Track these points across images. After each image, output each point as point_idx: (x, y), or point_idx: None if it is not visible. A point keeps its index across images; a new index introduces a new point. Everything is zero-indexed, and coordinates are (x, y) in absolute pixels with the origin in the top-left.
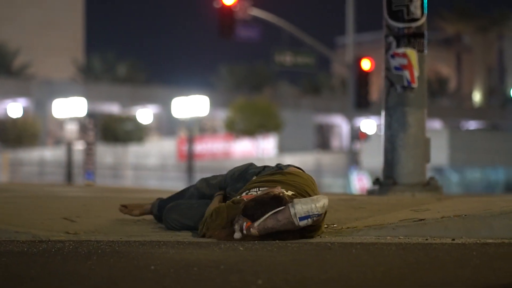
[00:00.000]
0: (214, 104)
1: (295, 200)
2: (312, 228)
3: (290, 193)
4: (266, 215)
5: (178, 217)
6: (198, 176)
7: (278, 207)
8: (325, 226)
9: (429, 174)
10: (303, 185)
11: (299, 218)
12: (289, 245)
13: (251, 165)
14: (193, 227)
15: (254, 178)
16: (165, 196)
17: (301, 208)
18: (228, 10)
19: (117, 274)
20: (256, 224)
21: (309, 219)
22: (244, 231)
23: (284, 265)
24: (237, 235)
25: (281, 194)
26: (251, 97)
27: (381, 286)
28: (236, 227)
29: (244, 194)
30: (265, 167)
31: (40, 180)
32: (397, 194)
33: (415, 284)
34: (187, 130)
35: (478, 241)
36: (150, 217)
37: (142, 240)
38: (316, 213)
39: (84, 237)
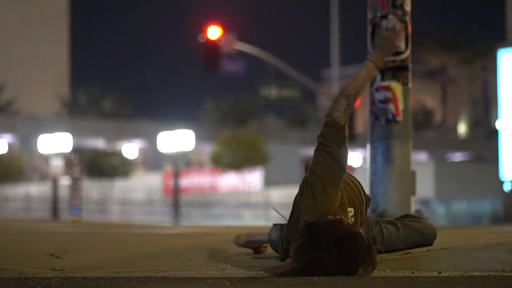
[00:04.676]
0: (200, 138)
1: None
2: None
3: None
4: None
5: None
6: (184, 211)
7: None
8: None
9: (415, 206)
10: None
11: None
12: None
13: None
14: None
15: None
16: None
17: None
18: (213, 44)
19: None
20: None
21: None
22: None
23: None
24: None
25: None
26: (237, 130)
27: None
28: None
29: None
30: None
31: (26, 215)
32: None
33: None
34: (173, 165)
35: (464, 274)
36: (144, 252)
37: (129, 276)
38: None
39: (70, 273)
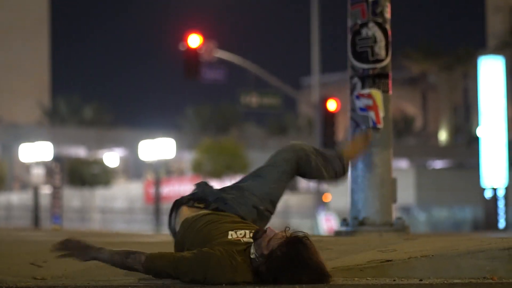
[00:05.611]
0: (181, 146)
1: None
2: None
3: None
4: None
5: None
6: (165, 219)
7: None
8: None
9: (396, 213)
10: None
11: None
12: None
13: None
14: None
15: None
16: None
17: None
18: (194, 52)
19: None
20: None
21: None
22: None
23: None
24: None
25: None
26: (218, 138)
27: None
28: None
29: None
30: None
31: (7, 224)
32: (364, 234)
33: None
34: (154, 173)
35: (445, 281)
36: None
37: (109, 285)
38: None
39: (51, 282)
